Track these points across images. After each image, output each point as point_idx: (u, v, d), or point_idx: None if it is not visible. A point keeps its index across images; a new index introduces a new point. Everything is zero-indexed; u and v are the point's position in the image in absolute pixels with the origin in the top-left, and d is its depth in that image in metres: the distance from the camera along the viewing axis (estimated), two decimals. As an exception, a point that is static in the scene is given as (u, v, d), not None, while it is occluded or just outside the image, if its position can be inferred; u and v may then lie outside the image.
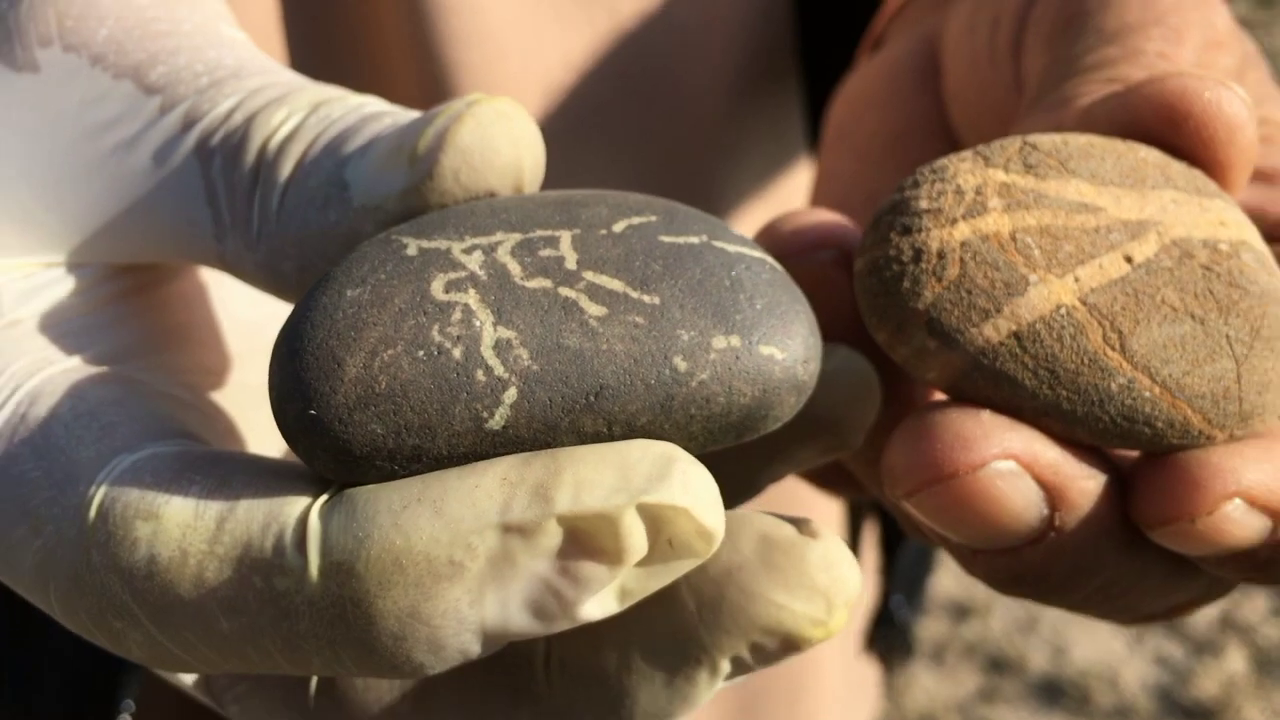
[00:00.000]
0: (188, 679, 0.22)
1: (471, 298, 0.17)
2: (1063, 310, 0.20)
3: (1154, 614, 0.25)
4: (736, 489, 0.22)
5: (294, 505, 0.17)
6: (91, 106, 0.21)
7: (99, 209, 0.21)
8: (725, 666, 0.19)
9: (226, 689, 0.22)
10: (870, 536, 0.58)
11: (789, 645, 0.18)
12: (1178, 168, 0.22)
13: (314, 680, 0.21)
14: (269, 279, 0.21)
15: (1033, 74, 0.26)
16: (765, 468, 0.23)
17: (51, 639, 0.41)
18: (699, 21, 0.40)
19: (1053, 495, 0.20)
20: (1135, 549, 0.21)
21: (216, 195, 0.20)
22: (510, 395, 0.17)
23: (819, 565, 0.18)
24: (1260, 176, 0.24)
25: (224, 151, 0.20)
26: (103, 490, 0.18)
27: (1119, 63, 0.25)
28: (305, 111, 0.20)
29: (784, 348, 0.18)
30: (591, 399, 0.17)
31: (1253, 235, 0.22)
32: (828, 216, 0.23)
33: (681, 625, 0.18)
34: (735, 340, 0.18)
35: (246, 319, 0.23)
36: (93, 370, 0.20)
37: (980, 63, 0.28)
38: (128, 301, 0.22)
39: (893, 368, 0.23)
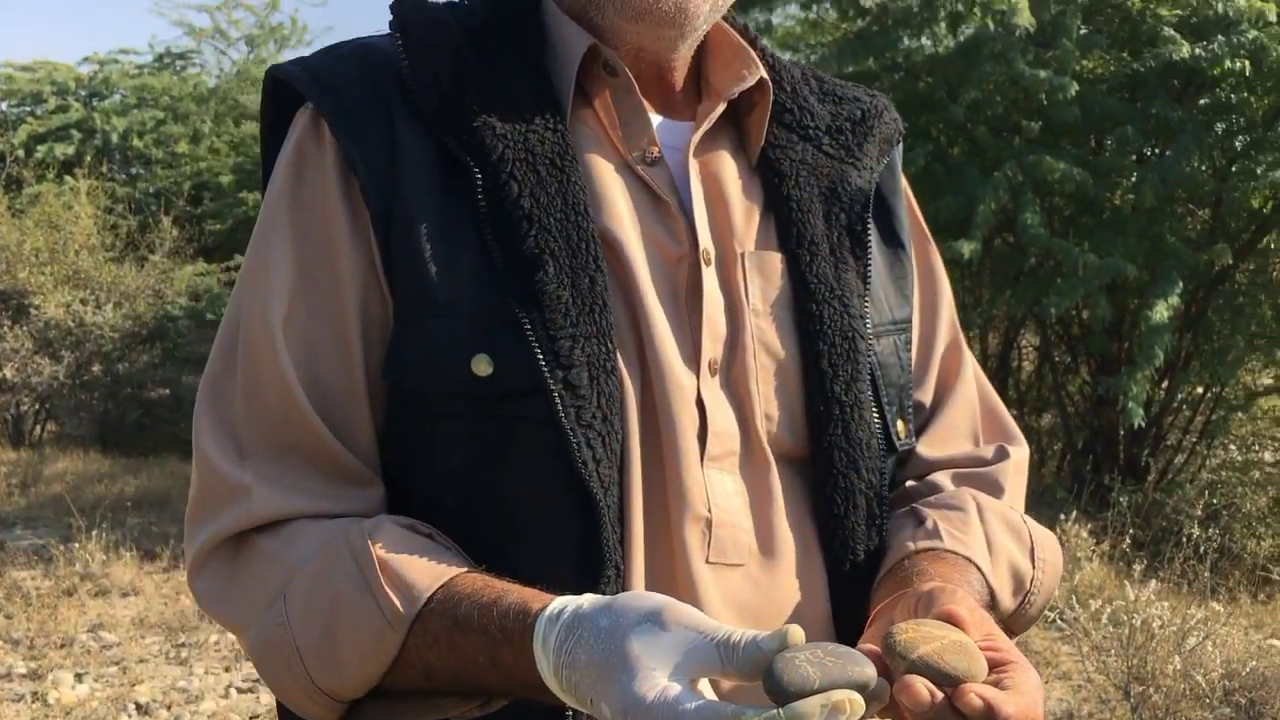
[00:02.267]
0: None
1: (812, 672, 0.62)
2: (925, 652, 0.68)
3: None
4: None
5: (765, 709, 0.61)
6: (685, 640, 0.65)
7: (693, 666, 0.64)
8: None
9: None
10: None
11: None
12: (957, 630, 0.72)
13: None
14: (745, 678, 0.63)
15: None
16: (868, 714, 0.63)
17: None
18: None
19: (933, 694, 0.66)
20: (958, 713, 0.66)
21: (722, 657, 0.63)
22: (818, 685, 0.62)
23: None
24: (996, 656, 0.72)
25: (722, 645, 0.63)
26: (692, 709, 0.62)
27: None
28: (739, 630, 0.64)
29: (868, 670, 0.64)
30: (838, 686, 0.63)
31: (971, 643, 0.71)
32: (873, 647, 0.71)
33: None
34: (860, 669, 0.63)
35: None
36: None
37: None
38: (688, 688, 0.64)
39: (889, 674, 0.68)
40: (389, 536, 0.80)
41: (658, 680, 0.64)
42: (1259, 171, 4.53)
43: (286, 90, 0.90)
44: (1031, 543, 0.95)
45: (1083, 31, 5.09)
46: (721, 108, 0.93)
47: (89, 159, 11.45)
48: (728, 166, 0.95)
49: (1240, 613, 3.91)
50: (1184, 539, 4.18)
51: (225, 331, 0.89)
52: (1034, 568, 0.95)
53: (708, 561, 0.85)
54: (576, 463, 0.81)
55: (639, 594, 0.70)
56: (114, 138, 12.78)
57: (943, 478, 0.99)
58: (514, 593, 0.76)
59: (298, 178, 0.88)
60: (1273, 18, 4.66)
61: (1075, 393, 6.38)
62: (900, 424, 0.97)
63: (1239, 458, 5.98)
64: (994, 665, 0.71)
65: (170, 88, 13.60)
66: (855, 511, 0.91)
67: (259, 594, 0.82)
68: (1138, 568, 3.64)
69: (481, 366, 0.82)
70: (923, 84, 5.56)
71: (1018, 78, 4.68)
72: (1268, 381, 6.08)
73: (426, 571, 0.79)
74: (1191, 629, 2.73)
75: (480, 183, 0.85)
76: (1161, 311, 4.45)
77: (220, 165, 12.56)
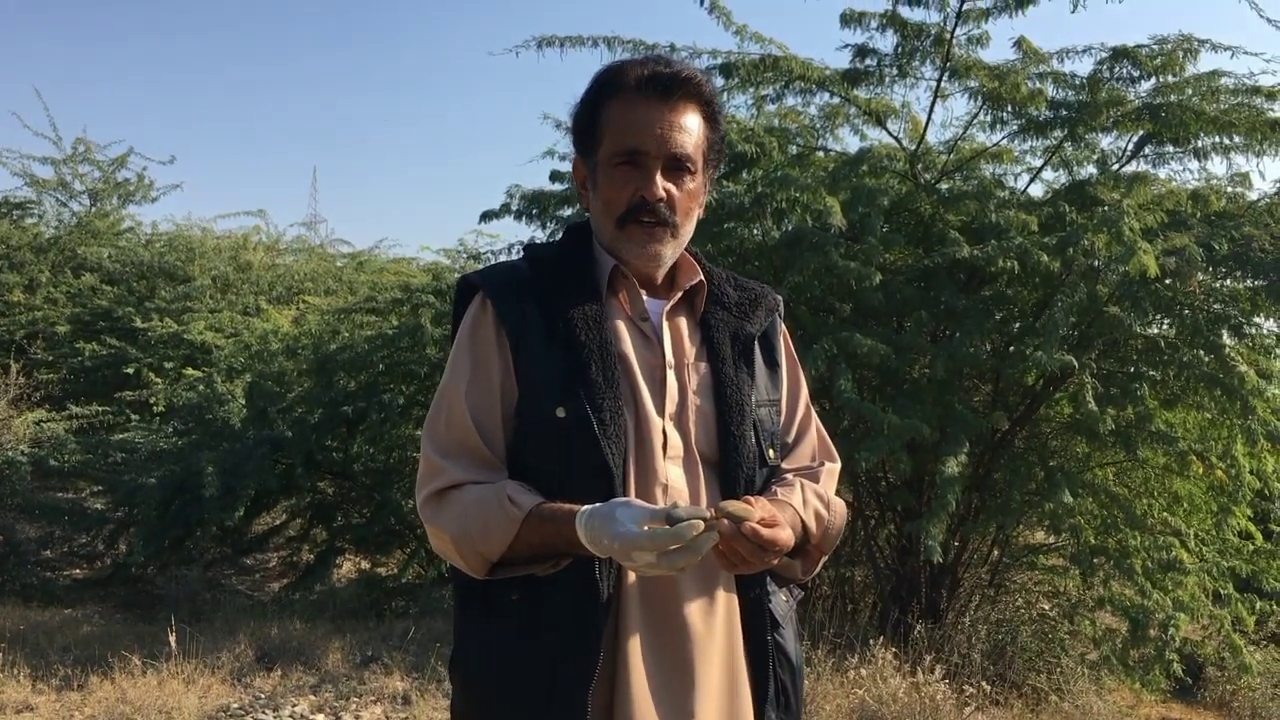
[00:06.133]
0: (651, 557, 1.44)
1: (684, 513, 1.47)
2: (729, 509, 1.52)
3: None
4: None
5: (664, 529, 1.45)
6: (639, 510, 1.49)
7: (641, 518, 1.49)
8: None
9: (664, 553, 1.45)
10: None
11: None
12: (749, 504, 1.58)
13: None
14: (661, 521, 1.47)
15: None
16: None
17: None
18: None
19: (731, 525, 1.52)
20: (743, 535, 1.52)
21: (652, 515, 1.48)
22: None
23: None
24: (773, 520, 1.57)
25: (653, 510, 1.48)
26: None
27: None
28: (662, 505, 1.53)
29: (707, 512, 1.51)
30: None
31: (753, 509, 1.55)
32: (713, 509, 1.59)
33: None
34: (703, 511, 1.50)
35: None
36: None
37: None
38: (638, 527, 1.49)
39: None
40: (512, 487, 1.63)
41: (626, 524, 1.45)
42: (1027, 353, 5.40)
43: (468, 286, 1.78)
44: (828, 500, 1.81)
45: (885, 230, 6.00)
46: (679, 295, 1.82)
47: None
48: (683, 322, 1.82)
49: (1011, 716, 4.56)
50: (971, 664, 4.82)
51: (438, 397, 1.72)
52: (829, 512, 1.80)
53: None
54: (604, 454, 1.62)
55: (619, 497, 1.56)
56: (-55, 284, 12.60)
57: (790, 475, 1.84)
58: (567, 506, 1.57)
59: (474, 328, 1.73)
60: (1035, 228, 5.65)
61: (884, 544, 7.10)
62: (771, 451, 1.80)
63: (1020, 603, 6.78)
64: (770, 523, 1.54)
65: (7, 236, 13.54)
66: (738, 487, 1.72)
67: (453, 514, 1.64)
68: (935, 679, 4.26)
69: (560, 412, 1.64)
70: (751, 267, 6.36)
71: (832, 266, 5.50)
72: (1041, 535, 6.96)
73: (529, 500, 1.60)
74: (967, 700, 3.32)
75: (561, 328, 1.70)
76: (952, 466, 5.22)
77: (56, 315, 12.51)
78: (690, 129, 1.73)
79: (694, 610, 1.66)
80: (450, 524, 1.63)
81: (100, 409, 10.26)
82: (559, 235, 1.91)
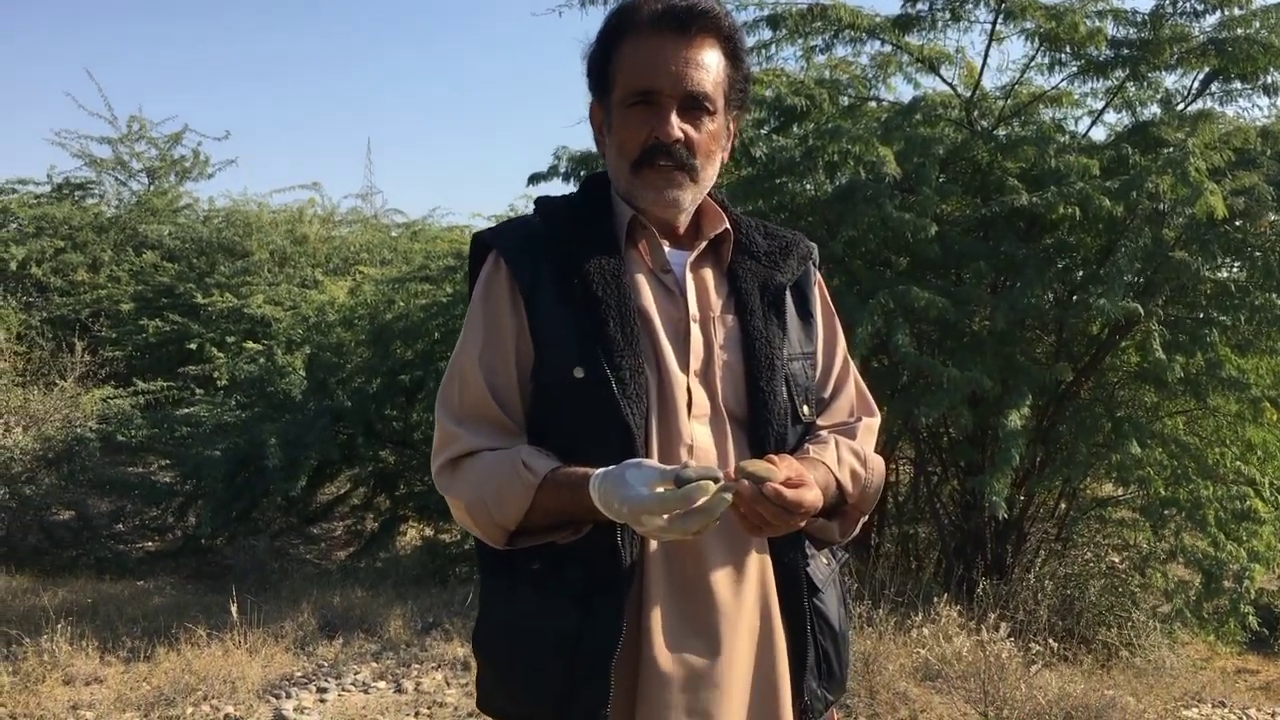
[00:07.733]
0: (662, 521, 1.36)
1: (694, 474, 1.37)
2: (750, 469, 1.42)
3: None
4: None
5: (674, 491, 1.36)
6: (650, 471, 1.40)
7: (652, 479, 1.40)
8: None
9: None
10: None
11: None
12: (772, 464, 1.46)
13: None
14: (671, 482, 1.38)
15: None
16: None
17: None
18: None
19: (751, 486, 1.41)
20: (765, 496, 1.41)
21: (661, 475, 1.39)
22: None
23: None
24: (799, 480, 1.46)
25: (663, 470, 1.40)
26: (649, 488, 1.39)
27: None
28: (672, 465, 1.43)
29: (719, 472, 1.39)
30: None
31: (776, 469, 1.44)
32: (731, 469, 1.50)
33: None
34: (716, 471, 1.39)
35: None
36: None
37: None
38: (649, 488, 1.40)
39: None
40: (528, 452, 1.56)
41: (636, 487, 1.37)
42: (1091, 301, 5.25)
43: (482, 243, 1.69)
44: (865, 457, 1.71)
45: (941, 180, 5.86)
46: (704, 244, 1.72)
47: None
48: (708, 273, 1.72)
49: (1081, 673, 4.47)
50: (1038, 620, 4.73)
51: (452, 363, 1.65)
52: (866, 470, 1.70)
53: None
54: (624, 415, 1.53)
55: (632, 459, 1.46)
56: (12, 266, 12.84)
57: (825, 432, 1.74)
58: (582, 470, 1.49)
59: (487, 287, 1.66)
60: (1097, 172, 5.48)
61: (947, 501, 7.00)
62: (805, 407, 1.71)
63: (1089, 556, 6.65)
64: (796, 484, 1.44)
65: (70, 217, 13.75)
66: (769, 446, 1.62)
67: (468, 483, 1.58)
68: (1000, 636, 4.19)
69: (578, 372, 1.56)
70: (805, 222, 6.25)
71: (887, 219, 5.38)
72: (1110, 488, 6.81)
73: (545, 465, 1.53)
74: (1034, 658, 3.25)
75: (577, 285, 1.61)
76: (1015, 419, 5.11)
77: (120, 293, 12.71)
78: (709, 65, 1.62)
79: (722, 577, 1.57)
80: (465, 493, 1.57)
81: (165, 384, 10.41)
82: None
